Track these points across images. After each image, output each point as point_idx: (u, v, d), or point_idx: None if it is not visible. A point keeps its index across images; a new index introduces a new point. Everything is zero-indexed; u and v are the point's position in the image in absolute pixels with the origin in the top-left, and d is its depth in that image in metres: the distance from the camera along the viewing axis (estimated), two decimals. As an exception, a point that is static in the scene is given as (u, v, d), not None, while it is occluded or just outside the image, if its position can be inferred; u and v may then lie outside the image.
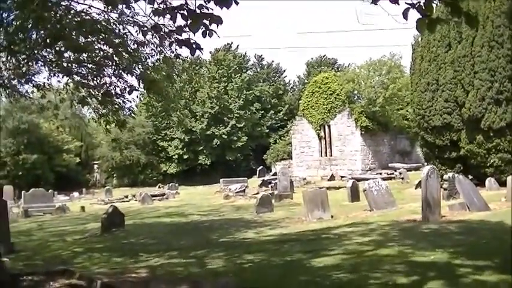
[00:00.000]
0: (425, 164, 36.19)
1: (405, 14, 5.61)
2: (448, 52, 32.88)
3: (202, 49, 7.10)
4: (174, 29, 6.82)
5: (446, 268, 10.37)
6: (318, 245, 14.71)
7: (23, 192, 44.32)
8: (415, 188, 32.13)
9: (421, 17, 5.64)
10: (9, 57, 15.12)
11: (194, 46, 6.82)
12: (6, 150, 67.53)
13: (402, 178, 41.70)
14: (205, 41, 7.34)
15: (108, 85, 15.14)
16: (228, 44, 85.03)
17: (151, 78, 13.77)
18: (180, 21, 6.17)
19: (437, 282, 9.36)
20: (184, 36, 6.81)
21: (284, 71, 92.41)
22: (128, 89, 14.42)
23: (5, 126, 62.99)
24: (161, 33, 9.04)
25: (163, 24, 8.84)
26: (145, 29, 11.64)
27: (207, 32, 6.00)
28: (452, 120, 32.61)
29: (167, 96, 16.68)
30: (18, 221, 33.70)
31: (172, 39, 8.83)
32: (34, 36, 13.69)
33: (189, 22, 5.95)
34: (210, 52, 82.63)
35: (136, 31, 12.91)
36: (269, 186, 46.42)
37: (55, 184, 66.93)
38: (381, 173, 48.65)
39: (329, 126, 58.92)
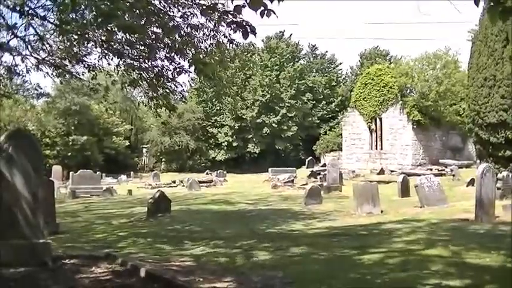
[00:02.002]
0: (478, 161, 35.53)
1: (477, 0, 5.22)
2: (506, 47, 32.05)
3: (256, 33, 6.81)
4: (231, 10, 6.53)
5: (502, 272, 9.94)
6: (367, 241, 14.36)
7: (71, 173, 44.60)
8: (467, 186, 31.49)
9: (492, 4, 5.22)
10: (60, 37, 15.03)
11: (248, 29, 6.53)
12: (56, 130, 68.13)
13: (453, 175, 40.90)
14: (258, 29, 7.03)
15: (159, 68, 14.97)
16: (280, 32, 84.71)
17: (204, 60, 13.51)
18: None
19: (492, 286, 8.96)
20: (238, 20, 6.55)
21: (340, 63, 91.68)
22: (177, 70, 14.25)
23: (56, 107, 63.47)
24: (218, 12, 8.80)
25: (223, 3, 8.58)
26: (204, 7, 11.37)
27: (265, 11, 5.67)
28: (508, 117, 31.80)
29: (219, 81, 16.46)
30: (65, 202, 33.91)
31: (228, 21, 8.53)
32: (86, 15, 13.54)
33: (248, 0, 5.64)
34: (263, 40, 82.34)
35: (191, 13, 12.66)
36: (318, 177, 46.21)
37: (103, 166, 67.51)
38: (431, 169, 48.00)
39: (380, 119, 58.33)
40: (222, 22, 10.28)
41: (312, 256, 12.31)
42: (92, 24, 12.94)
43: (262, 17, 5.73)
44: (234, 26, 6.68)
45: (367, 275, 10.02)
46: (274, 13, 5.76)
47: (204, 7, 11.43)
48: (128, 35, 13.76)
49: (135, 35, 13.57)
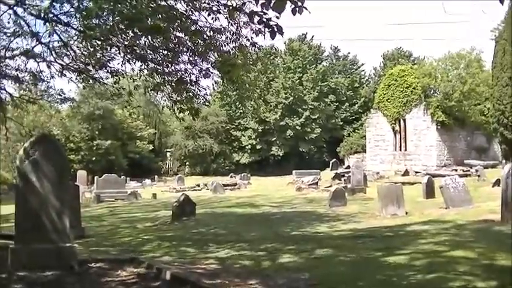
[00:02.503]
0: (503, 161, 35.29)
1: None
2: (531, 46, 31.82)
3: (283, 32, 6.82)
4: (257, 10, 6.51)
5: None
6: (393, 242, 14.30)
7: (96, 177, 44.96)
8: (492, 187, 31.22)
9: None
10: (84, 43, 15.13)
11: (276, 29, 6.54)
12: (81, 135, 68.69)
13: (478, 175, 40.60)
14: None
15: (182, 72, 15.02)
16: (302, 34, 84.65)
17: (232, 62, 13.52)
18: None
19: (519, 288, 8.91)
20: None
21: (362, 64, 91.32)
22: (203, 72, 14.32)
23: (80, 112, 63.84)
24: (244, 13, 8.82)
25: (250, 1, 8.59)
26: (230, 8, 11.38)
27: (297, 8, 5.65)
28: (534, 116, 31.55)
29: (242, 84, 16.48)
30: (90, 206, 34.15)
31: (254, 21, 8.51)
32: (109, 21, 13.62)
33: (273, 2, 5.64)
34: (285, 43, 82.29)
35: (213, 18, 12.68)
36: (342, 179, 46.10)
37: (128, 170, 67.98)
38: (456, 170, 47.65)
39: (404, 120, 58.08)
40: (250, 22, 10.29)
41: (337, 258, 12.29)
42: (116, 29, 13.01)
43: (294, 15, 5.70)
44: (262, 26, 6.66)
45: (393, 276, 9.99)
46: (307, 9, 5.75)
47: (231, 8, 11.43)
48: (150, 39, 13.84)
49: (159, 39, 13.63)
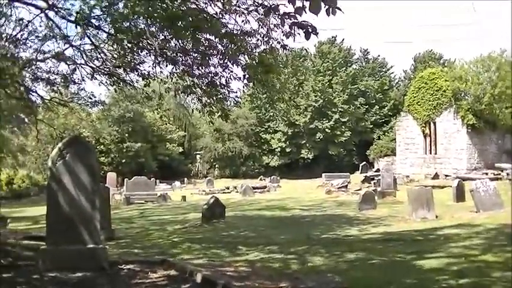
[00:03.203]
0: (535, 165, 34.98)
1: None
2: None
3: (317, 33, 6.82)
4: (290, 11, 6.51)
5: None
6: (423, 246, 14.26)
7: (125, 179, 45.22)
8: (524, 190, 31.00)
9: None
10: (114, 45, 15.24)
11: (310, 29, 6.54)
12: (111, 137, 69.09)
13: (510, 179, 40.33)
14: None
15: (213, 75, 15.05)
16: (332, 37, 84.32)
17: (268, 62, 13.51)
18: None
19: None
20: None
21: (391, 66, 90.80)
22: (231, 75, 14.39)
23: (110, 114, 64.19)
24: (276, 14, 8.83)
25: (284, 4, 8.60)
26: (265, 8, 11.38)
27: (331, 9, 5.65)
28: None
29: (273, 87, 16.49)
30: (120, 208, 34.33)
31: (286, 23, 8.50)
32: (139, 24, 13.71)
33: (308, 3, 5.64)
34: (315, 45, 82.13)
35: (243, 20, 12.69)
36: (371, 182, 46.01)
37: (157, 173, 68.27)
38: (486, 173, 47.22)
39: (434, 123, 57.73)
40: (280, 25, 10.29)
41: (367, 261, 12.26)
42: (147, 32, 13.08)
43: (328, 15, 5.69)
44: (297, 26, 6.67)
45: (425, 280, 9.95)
46: (340, 9, 5.74)
47: (266, 8, 11.44)
48: (181, 42, 13.90)
49: (189, 42, 13.67)
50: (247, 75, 14.01)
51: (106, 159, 66.69)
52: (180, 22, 12.52)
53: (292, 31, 8.95)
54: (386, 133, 75.99)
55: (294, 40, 10.96)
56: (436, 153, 57.75)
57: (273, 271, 11.33)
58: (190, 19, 12.41)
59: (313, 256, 13.28)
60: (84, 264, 10.38)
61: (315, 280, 10.05)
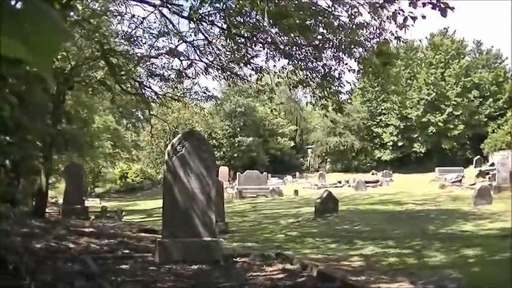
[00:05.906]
0: None
1: None
2: None
3: (454, 8, 6.69)
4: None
5: None
6: (544, 242, 13.78)
7: (237, 173, 45.59)
8: None
9: None
10: (228, 40, 15.34)
11: (443, 6, 6.43)
12: (222, 132, 69.97)
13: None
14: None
15: (327, 68, 14.96)
16: (444, 28, 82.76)
17: (385, 50, 13.29)
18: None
19: None
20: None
21: (506, 58, 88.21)
22: (354, 69, 14.31)
23: (222, 109, 64.95)
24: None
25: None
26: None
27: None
28: None
29: (388, 78, 16.28)
30: (233, 202, 34.66)
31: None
32: (253, 18, 13.76)
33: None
34: (426, 37, 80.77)
35: (355, 12, 12.55)
36: (486, 177, 44.88)
37: (269, 167, 68.53)
38: None
39: (553, 116, 56.08)
40: (418, 2, 10.15)
41: (485, 258, 11.94)
42: (260, 26, 13.11)
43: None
44: (431, 6, 6.56)
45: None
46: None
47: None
48: (294, 36, 13.86)
49: (303, 36, 13.61)
50: (361, 68, 13.88)
51: (218, 153, 67.39)
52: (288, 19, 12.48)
53: (411, 20, 8.79)
54: (501, 126, 74.02)
55: (405, 32, 10.75)
56: (555, 147, 56.05)
57: (389, 266, 11.18)
58: (303, 12, 12.36)
59: (429, 251, 13.04)
60: (200, 257, 10.49)
61: (432, 275, 9.86)
